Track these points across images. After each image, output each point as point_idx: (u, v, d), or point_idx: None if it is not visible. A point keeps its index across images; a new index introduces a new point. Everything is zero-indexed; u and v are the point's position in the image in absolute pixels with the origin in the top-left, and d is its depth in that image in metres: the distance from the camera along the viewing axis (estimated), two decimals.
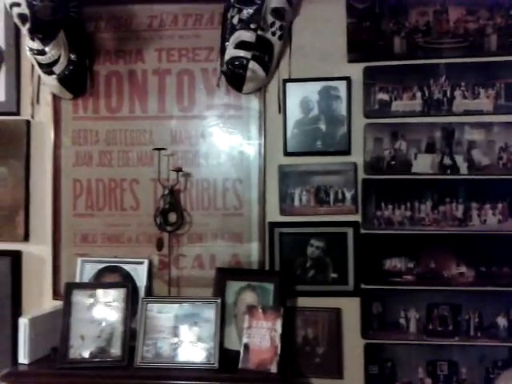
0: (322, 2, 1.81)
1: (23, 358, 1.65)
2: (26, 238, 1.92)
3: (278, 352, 1.59)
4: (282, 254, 1.82)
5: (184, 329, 1.66)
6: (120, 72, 1.89)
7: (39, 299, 1.93)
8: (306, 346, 1.81)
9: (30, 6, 1.65)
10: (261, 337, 1.62)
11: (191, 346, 1.64)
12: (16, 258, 1.92)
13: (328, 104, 1.80)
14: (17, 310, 1.91)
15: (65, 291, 1.70)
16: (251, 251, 1.85)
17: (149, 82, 1.88)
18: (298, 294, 1.82)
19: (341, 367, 1.80)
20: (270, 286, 1.72)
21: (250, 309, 1.66)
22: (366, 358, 1.79)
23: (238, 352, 1.64)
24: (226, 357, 1.65)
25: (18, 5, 1.66)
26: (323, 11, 1.82)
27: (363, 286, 1.80)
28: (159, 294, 1.85)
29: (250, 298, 1.73)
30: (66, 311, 1.67)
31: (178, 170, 1.82)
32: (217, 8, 1.82)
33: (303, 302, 1.83)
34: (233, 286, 1.76)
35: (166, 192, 1.83)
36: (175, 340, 1.64)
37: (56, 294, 1.91)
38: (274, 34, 1.71)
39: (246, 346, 1.63)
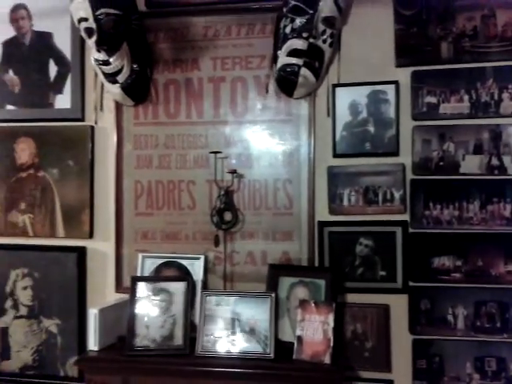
0: (370, 10, 1.88)
1: (93, 346, 1.79)
2: (91, 235, 2.07)
3: (331, 344, 1.67)
4: (331, 252, 1.90)
5: (241, 320, 1.76)
6: (177, 80, 2.01)
7: (103, 292, 2.08)
8: (355, 340, 1.89)
9: (96, 20, 1.80)
10: (314, 330, 1.71)
11: (247, 337, 1.74)
12: (81, 253, 2.07)
13: (376, 107, 1.87)
14: (82, 302, 2.07)
15: (131, 284, 1.84)
16: (301, 249, 1.94)
17: (204, 89, 1.99)
18: (347, 291, 1.90)
19: (389, 361, 1.87)
20: (322, 282, 1.81)
21: (303, 303, 1.76)
22: (413, 352, 1.85)
23: (291, 343, 1.74)
24: (280, 347, 1.75)
25: (86, 20, 1.81)
26: (371, 18, 1.88)
27: (411, 283, 1.86)
28: (214, 287, 1.96)
29: (302, 293, 1.82)
30: (132, 302, 1.81)
31: (233, 171, 1.93)
32: (269, 18, 1.91)
33: (352, 298, 1.90)
34: (285, 282, 1.85)
35: (222, 193, 1.95)
36: (232, 331, 1.76)
37: (118, 287, 2.05)
38: (324, 41, 1.79)
39: (300, 338, 1.72)
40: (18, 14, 2.09)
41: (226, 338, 1.75)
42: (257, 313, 1.77)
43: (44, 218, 2.08)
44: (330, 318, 1.70)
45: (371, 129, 1.88)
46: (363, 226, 1.88)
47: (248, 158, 1.98)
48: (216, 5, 1.95)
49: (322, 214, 1.92)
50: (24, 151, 2.09)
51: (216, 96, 1.99)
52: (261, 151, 1.97)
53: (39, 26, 2.08)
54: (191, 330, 1.79)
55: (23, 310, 2.10)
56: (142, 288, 1.83)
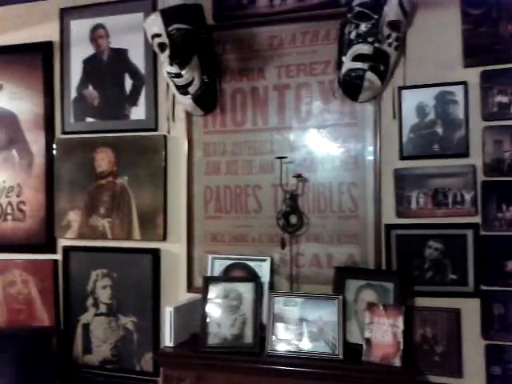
0: (435, 11, 1.87)
1: (169, 342, 1.90)
2: (165, 237, 2.19)
3: (401, 347, 1.67)
4: (398, 255, 1.90)
5: (309, 321, 1.80)
6: (244, 89, 2.10)
7: (175, 291, 2.19)
8: (425, 344, 1.87)
9: (168, 35, 1.92)
10: (383, 332, 1.71)
11: (315, 338, 1.78)
12: (156, 255, 2.20)
13: (444, 108, 1.85)
14: (157, 301, 2.20)
15: (203, 284, 1.93)
16: (367, 252, 1.95)
17: (269, 96, 2.06)
18: (415, 294, 1.88)
19: (460, 367, 1.83)
20: (390, 285, 1.81)
21: (371, 306, 1.76)
22: (487, 358, 1.80)
23: (359, 345, 1.75)
24: (348, 349, 1.77)
25: (159, 35, 1.94)
26: (437, 19, 1.87)
27: (483, 287, 1.82)
28: (279, 289, 2.01)
29: (369, 295, 1.83)
30: (204, 301, 1.90)
31: (298, 176, 1.98)
32: (332, 24, 1.95)
33: (421, 301, 1.88)
34: (352, 284, 1.87)
35: (287, 196, 2.00)
36: (301, 331, 1.79)
37: (190, 287, 2.16)
38: (390, 45, 1.80)
39: (368, 341, 1.73)
40: (97, 34, 2.27)
41: (294, 338, 1.79)
42: (324, 314, 1.80)
43: (121, 222, 2.23)
44: (400, 321, 1.70)
45: (439, 130, 1.86)
46: (432, 229, 1.86)
47: (312, 162, 2.02)
48: (281, 15, 2.02)
49: (389, 216, 1.92)
50: (103, 160, 2.26)
51: (281, 103, 2.05)
52: (325, 155, 2.00)
53: (116, 43, 2.25)
54: (260, 330, 1.85)
55: (103, 308, 2.26)
56: (214, 288, 1.92)
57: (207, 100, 2.08)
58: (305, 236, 2.02)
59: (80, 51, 2.29)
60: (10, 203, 2.40)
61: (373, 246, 1.93)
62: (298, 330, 1.80)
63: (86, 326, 2.28)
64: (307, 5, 1.98)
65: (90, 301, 2.27)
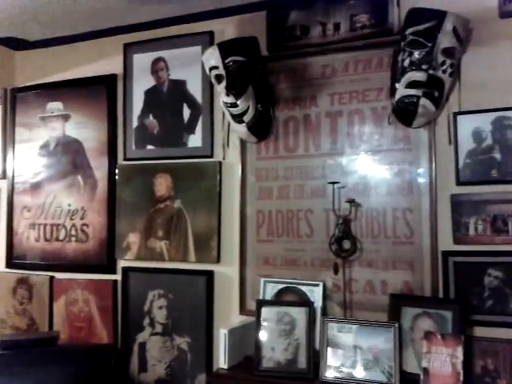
0: (491, 35, 1.86)
1: (223, 363, 1.94)
2: (218, 259, 2.26)
3: (461, 379, 1.62)
4: (456, 283, 1.85)
5: (363, 349, 1.79)
6: (296, 117, 2.16)
7: (228, 313, 2.23)
8: (486, 376, 1.79)
9: (225, 67, 2.02)
10: (441, 362, 1.67)
11: (370, 366, 1.76)
12: (210, 277, 2.26)
13: (502, 134, 1.82)
14: (210, 322, 2.24)
15: (256, 307, 1.97)
16: (423, 279, 1.91)
17: (322, 123, 2.10)
18: (474, 324, 1.82)
19: None
20: (448, 314, 1.76)
21: (428, 335, 1.73)
22: None
23: (416, 375, 1.71)
24: (405, 379, 1.73)
25: (216, 68, 2.05)
26: (493, 44, 1.86)
27: None
28: (331, 314, 2.01)
29: (426, 324, 1.79)
30: (258, 325, 1.93)
31: (351, 201, 1.99)
32: (385, 52, 1.98)
33: (481, 331, 1.82)
34: (408, 312, 1.84)
35: (340, 221, 2.01)
36: (355, 358, 1.78)
37: (242, 310, 2.19)
38: (444, 71, 1.80)
39: (426, 370, 1.69)
40: (157, 66, 2.42)
41: (348, 366, 1.78)
42: (379, 342, 1.78)
43: (178, 244, 2.31)
44: (459, 351, 1.65)
45: (497, 155, 1.82)
46: (491, 256, 1.81)
47: (365, 187, 2.03)
48: (334, 44, 2.07)
49: (446, 243, 1.89)
50: (162, 185, 2.37)
51: (333, 129, 2.09)
52: (378, 180, 2.01)
53: (175, 75, 2.38)
54: (313, 355, 1.85)
55: (158, 328, 2.33)
56: (267, 311, 1.95)
57: (261, 128, 2.15)
58: (358, 261, 2.02)
59: (142, 83, 2.44)
60: (74, 225, 2.56)
61: (429, 273, 1.90)
62: (352, 357, 1.79)
63: (143, 345, 2.36)
64: (360, 34, 2.02)
65: (146, 320, 2.36)
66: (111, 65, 2.52)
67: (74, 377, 2.16)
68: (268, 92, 2.15)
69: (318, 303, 2.00)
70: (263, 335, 1.91)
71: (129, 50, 2.47)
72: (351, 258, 2.02)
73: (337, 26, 2.07)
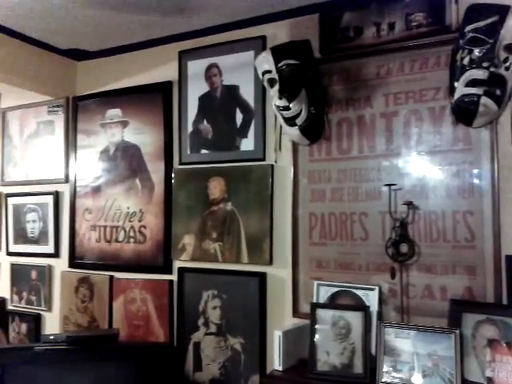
0: None
1: (278, 365, 1.95)
2: (271, 261, 2.27)
3: None
4: None
5: (422, 355, 1.74)
6: (350, 118, 2.14)
7: (281, 315, 2.24)
8: None
9: (278, 71, 2.04)
10: (507, 372, 1.59)
11: (430, 373, 1.70)
12: (262, 278, 2.28)
13: None
14: (263, 324, 2.26)
15: (310, 310, 1.97)
16: (485, 284, 1.84)
17: (377, 124, 2.08)
18: None
19: None
20: None
21: (493, 342, 1.65)
22: None
23: None
24: None
25: (269, 72, 2.07)
26: None
27: None
28: (388, 320, 1.96)
29: (490, 331, 1.72)
30: (312, 328, 1.93)
31: (409, 203, 1.95)
32: (443, 51, 1.93)
33: None
34: (469, 319, 1.77)
35: (397, 224, 1.97)
36: (414, 365, 1.73)
37: (295, 312, 2.19)
38: (507, 68, 1.73)
39: (490, 380, 1.61)
40: (211, 72, 2.47)
41: (407, 372, 1.73)
42: (439, 349, 1.73)
43: (231, 246, 2.35)
44: None
45: None
46: None
47: (423, 189, 1.97)
48: (388, 44, 2.04)
49: (510, 247, 1.80)
50: (215, 188, 2.42)
51: (388, 130, 2.05)
52: (437, 182, 1.95)
53: (228, 80, 2.43)
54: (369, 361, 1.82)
55: (213, 328, 2.38)
56: (321, 314, 1.94)
57: (314, 130, 2.15)
58: (416, 266, 1.97)
59: (196, 89, 2.51)
60: (132, 227, 2.66)
61: (492, 278, 1.82)
62: (410, 363, 1.75)
63: (197, 345, 2.42)
64: (416, 33, 1.98)
65: (201, 320, 2.41)
66: (167, 72, 2.61)
67: (133, 373, 2.24)
68: (321, 94, 2.15)
69: (374, 308, 1.97)
70: (318, 338, 1.90)
71: (183, 57, 2.55)
72: (408, 263, 1.97)
73: (391, 26, 2.04)
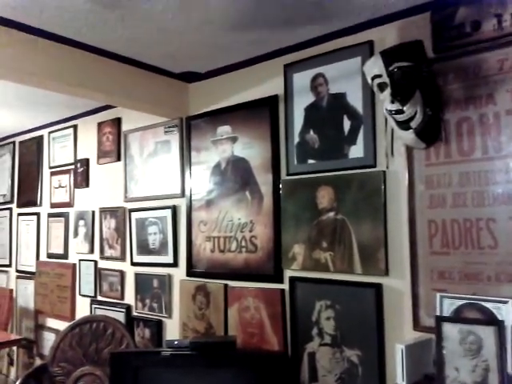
0: None
1: (401, 381, 1.86)
2: (387, 272, 2.19)
3: None
4: None
5: None
6: (470, 117, 2.00)
7: (400, 328, 2.14)
8: None
9: (389, 75, 1.98)
10: None
11: None
12: (378, 290, 2.20)
13: None
14: (381, 337, 2.18)
15: (435, 323, 1.85)
16: None
17: (502, 122, 1.91)
18: None
19: None
20: None
21: None
22: None
23: None
24: None
25: (379, 76, 2.02)
26: None
27: None
28: None
29: None
30: (439, 342, 1.81)
31: None
32: None
33: None
34: None
35: None
36: None
37: (416, 325, 2.08)
38: None
39: None
40: (317, 82, 2.49)
41: None
42: None
43: (342, 256, 2.32)
44: None
45: None
46: None
47: None
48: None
49: None
50: (324, 197, 2.41)
51: None
52: None
53: (334, 88, 2.42)
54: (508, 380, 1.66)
55: (327, 339, 2.35)
56: (448, 328, 1.82)
57: (430, 132, 2.04)
58: None
59: (301, 100, 2.54)
60: (244, 237, 2.76)
61: None
62: None
63: (312, 355, 2.40)
64: None
65: (314, 330, 2.40)
66: (272, 86, 2.68)
67: (250, 381, 2.30)
68: (436, 94, 2.04)
69: (509, 322, 1.80)
70: (445, 354, 1.78)
71: (289, 70, 2.60)
72: None
73: None
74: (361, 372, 2.22)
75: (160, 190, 3.24)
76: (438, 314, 1.97)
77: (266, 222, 2.66)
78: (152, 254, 3.26)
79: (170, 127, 3.20)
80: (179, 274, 3.09)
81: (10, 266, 4.62)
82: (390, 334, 2.16)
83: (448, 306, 1.98)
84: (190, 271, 3.01)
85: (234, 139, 2.85)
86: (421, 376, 1.89)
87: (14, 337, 4.08)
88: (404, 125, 2.03)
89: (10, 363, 4.43)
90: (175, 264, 3.12)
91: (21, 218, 4.52)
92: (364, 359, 2.22)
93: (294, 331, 2.49)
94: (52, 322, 4.02)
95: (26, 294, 4.35)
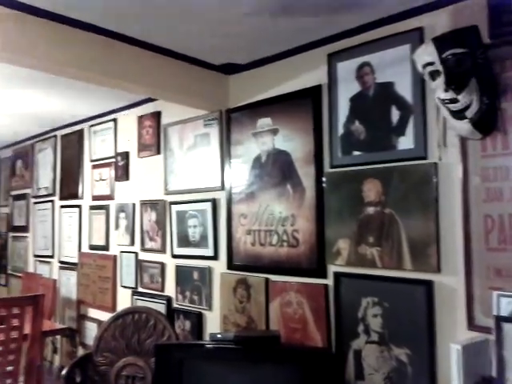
0: None
1: (456, 382, 1.79)
2: (438, 269, 2.10)
3: None
4: None
5: None
6: None
7: (452, 328, 2.05)
8: None
9: (442, 62, 1.89)
10: None
11: None
12: (429, 287, 2.12)
13: None
14: (432, 335, 2.10)
15: (495, 324, 1.75)
16: None
17: None
18: None
19: None
20: None
21: None
22: None
23: None
24: None
25: (432, 64, 1.93)
26: None
27: None
28: None
29: None
30: (498, 343, 1.72)
31: None
32: None
33: None
34: None
35: None
36: None
37: (471, 325, 1.99)
38: None
39: None
40: (363, 71, 2.40)
41: None
42: None
43: (391, 251, 2.24)
44: None
45: None
46: None
47: None
48: None
49: None
50: (371, 190, 2.33)
51: None
52: None
53: (381, 78, 2.33)
54: None
55: (374, 336, 2.29)
56: (508, 329, 1.72)
57: (486, 122, 1.93)
58: None
59: (346, 90, 2.46)
60: (285, 231, 2.71)
61: None
62: None
63: (358, 353, 2.35)
64: None
65: (360, 327, 2.34)
66: (315, 76, 2.61)
67: (295, 377, 2.27)
68: (493, 82, 1.93)
69: None
70: (505, 355, 1.69)
71: (333, 59, 2.52)
72: None
73: None
74: (410, 371, 2.15)
75: (200, 183, 3.23)
76: (494, 313, 1.87)
77: (308, 215, 2.60)
78: (192, 247, 3.26)
79: (209, 120, 3.18)
80: (220, 266, 3.09)
81: (52, 257, 4.75)
82: (442, 333, 2.08)
83: (506, 306, 1.87)
84: (231, 264, 3.00)
85: (274, 131, 2.80)
86: (478, 378, 1.81)
87: (58, 326, 4.19)
88: (459, 114, 1.93)
89: (54, 351, 4.58)
90: (215, 257, 3.11)
91: (63, 210, 4.63)
92: (414, 358, 2.14)
93: (339, 328, 2.43)
94: (94, 312, 4.12)
95: (68, 285, 4.47)
